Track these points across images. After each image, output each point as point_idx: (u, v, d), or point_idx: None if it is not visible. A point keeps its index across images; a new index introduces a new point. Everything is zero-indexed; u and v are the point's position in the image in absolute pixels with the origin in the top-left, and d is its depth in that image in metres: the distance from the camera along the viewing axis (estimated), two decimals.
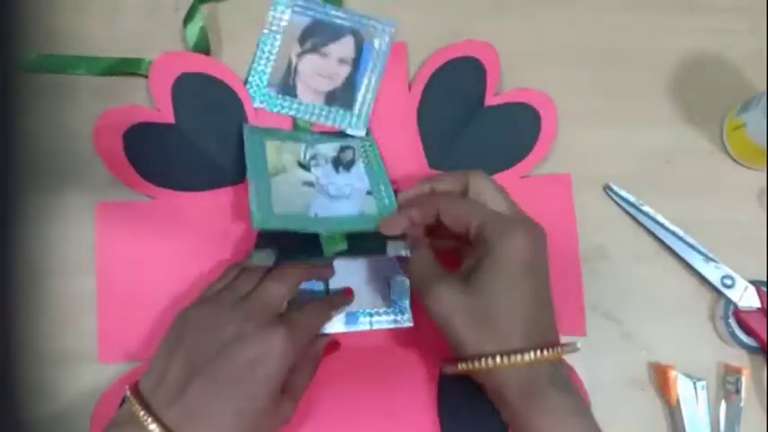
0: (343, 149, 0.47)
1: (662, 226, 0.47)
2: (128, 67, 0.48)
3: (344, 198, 0.44)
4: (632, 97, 0.50)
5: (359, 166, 0.46)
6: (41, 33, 0.48)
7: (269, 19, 0.49)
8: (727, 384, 0.45)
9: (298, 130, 0.48)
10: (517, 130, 0.48)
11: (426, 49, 0.49)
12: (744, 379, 0.44)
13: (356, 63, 0.49)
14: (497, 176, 0.47)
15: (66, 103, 0.48)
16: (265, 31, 0.49)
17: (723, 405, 0.45)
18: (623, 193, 0.48)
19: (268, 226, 0.40)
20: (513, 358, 0.35)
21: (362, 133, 0.48)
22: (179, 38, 0.49)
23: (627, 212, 0.48)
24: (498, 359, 0.35)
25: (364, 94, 0.48)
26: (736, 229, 0.47)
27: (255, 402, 0.36)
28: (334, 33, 0.49)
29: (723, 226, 0.47)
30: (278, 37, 0.49)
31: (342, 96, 0.48)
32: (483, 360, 0.36)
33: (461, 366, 0.37)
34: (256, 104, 0.48)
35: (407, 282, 0.45)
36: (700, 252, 0.46)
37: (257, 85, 0.48)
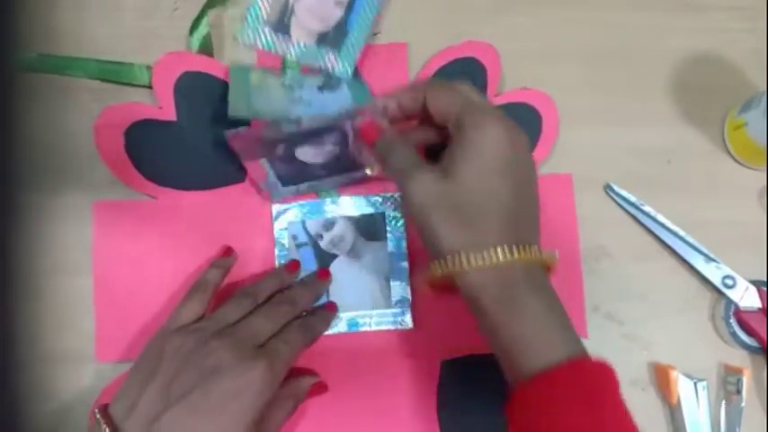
0: (328, 78, 0.47)
1: (663, 226, 0.47)
2: (123, 76, 0.47)
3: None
4: (632, 97, 0.50)
5: (343, 87, 0.46)
6: (41, 33, 0.48)
7: None
8: (728, 385, 0.45)
9: (287, 68, 0.48)
10: None
11: (428, 50, 0.49)
12: (745, 379, 0.44)
13: (350, 5, 0.49)
14: None
15: (66, 103, 0.48)
16: None
17: (724, 405, 0.45)
18: (624, 192, 0.48)
19: (243, 114, 0.41)
20: (485, 255, 0.33)
21: (348, 74, 0.48)
22: (178, 37, 0.49)
23: (627, 212, 0.48)
24: (472, 258, 0.33)
25: (355, 38, 0.48)
26: (737, 229, 0.47)
27: None
28: None
29: (724, 226, 0.47)
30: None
31: (332, 38, 0.48)
32: (456, 258, 0.34)
33: (434, 267, 0.35)
34: (248, 42, 0.48)
35: (408, 283, 0.45)
36: (700, 252, 0.46)
37: (254, 23, 0.48)
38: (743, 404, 0.44)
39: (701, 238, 0.46)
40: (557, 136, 0.48)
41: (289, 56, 0.48)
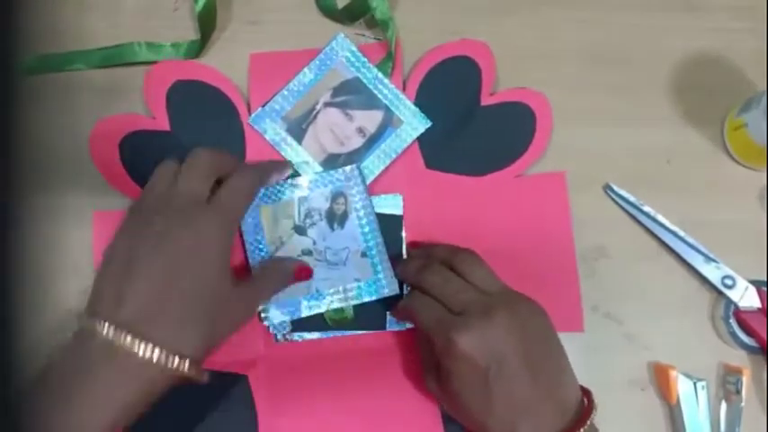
0: (335, 197, 0.46)
1: (662, 226, 0.47)
2: (124, 56, 0.48)
3: (341, 265, 0.45)
4: (632, 97, 0.50)
5: (352, 220, 0.46)
6: (42, 33, 0.48)
7: (322, 54, 0.48)
8: (728, 385, 0.45)
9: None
10: (513, 130, 0.48)
11: (425, 48, 0.49)
12: (744, 379, 0.44)
13: (372, 140, 0.47)
14: (493, 176, 0.47)
15: (67, 103, 0.48)
16: (313, 64, 0.47)
17: (723, 405, 0.45)
18: (624, 192, 0.48)
19: (277, 322, 0.44)
20: None
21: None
22: (178, 37, 0.49)
23: (627, 212, 0.48)
24: None
25: (367, 172, 0.47)
26: (737, 230, 0.47)
27: (204, 289, 0.36)
28: (368, 101, 0.47)
29: (724, 226, 0.47)
30: (320, 75, 0.47)
31: (342, 165, 0.47)
32: None
33: None
34: (256, 126, 0.47)
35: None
36: (700, 252, 0.46)
37: (274, 112, 0.47)
38: (742, 404, 0.44)
39: (701, 238, 0.46)
40: (551, 134, 0.48)
41: (292, 166, 0.46)
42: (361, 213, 0.46)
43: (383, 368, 0.45)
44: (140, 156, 0.46)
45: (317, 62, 0.48)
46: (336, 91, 0.48)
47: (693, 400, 0.44)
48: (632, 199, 0.47)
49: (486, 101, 0.48)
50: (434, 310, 0.38)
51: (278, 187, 0.46)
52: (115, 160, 0.46)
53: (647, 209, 0.47)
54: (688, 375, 0.44)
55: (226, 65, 0.48)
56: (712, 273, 0.46)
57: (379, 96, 0.47)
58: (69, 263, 0.45)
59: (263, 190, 0.46)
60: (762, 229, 0.48)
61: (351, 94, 0.48)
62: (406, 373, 0.45)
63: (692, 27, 0.51)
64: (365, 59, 0.48)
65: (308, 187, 0.46)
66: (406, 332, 0.45)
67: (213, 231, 0.37)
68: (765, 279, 0.46)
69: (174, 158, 0.41)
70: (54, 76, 0.48)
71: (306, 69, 0.48)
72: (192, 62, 0.48)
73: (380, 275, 0.45)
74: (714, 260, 0.46)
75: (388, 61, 0.48)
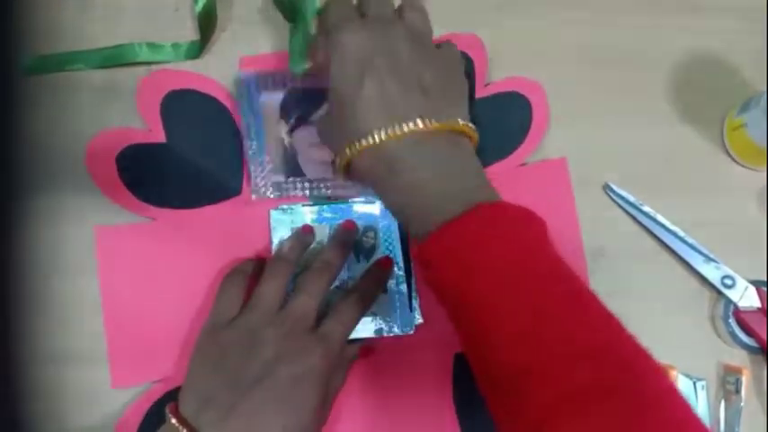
0: (366, 231, 0.46)
1: (662, 226, 0.47)
2: (125, 57, 0.48)
3: None
4: (632, 97, 0.50)
5: (378, 256, 0.46)
6: (42, 34, 0.48)
7: (242, 112, 0.46)
8: (727, 384, 0.45)
9: (318, 204, 0.46)
10: (510, 120, 0.48)
11: None
12: (744, 379, 0.44)
13: None
14: (494, 167, 0.47)
15: (67, 104, 0.48)
16: (245, 123, 0.46)
17: (723, 405, 0.45)
18: (623, 192, 0.48)
19: None
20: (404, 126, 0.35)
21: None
22: (178, 38, 0.49)
23: (627, 212, 0.48)
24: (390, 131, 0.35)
25: None
26: (737, 230, 0.47)
27: (302, 417, 0.38)
28: (314, 98, 0.46)
29: (723, 226, 0.47)
30: (261, 126, 0.46)
31: None
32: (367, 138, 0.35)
33: (348, 151, 0.36)
34: (264, 196, 0.46)
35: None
36: (700, 252, 0.46)
37: (263, 176, 0.45)
38: (742, 404, 0.44)
39: (701, 238, 0.46)
40: (548, 122, 0.48)
41: (312, 193, 0.46)
42: (388, 250, 0.46)
43: (389, 367, 0.45)
44: (138, 169, 0.46)
45: (247, 111, 0.46)
46: (285, 117, 0.46)
47: (693, 399, 0.44)
48: (632, 199, 0.47)
49: (480, 93, 0.48)
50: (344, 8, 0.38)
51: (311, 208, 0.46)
52: (113, 175, 0.45)
53: (647, 209, 0.47)
54: (688, 375, 0.44)
55: (225, 65, 0.48)
56: (712, 273, 0.46)
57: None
58: (69, 264, 0.45)
59: (322, 210, 0.46)
60: (762, 229, 0.48)
61: (296, 108, 0.46)
62: (414, 372, 0.45)
63: (692, 27, 0.51)
64: (266, 74, 0.46)
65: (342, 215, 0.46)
66: (413, 332, 0.45)
67: (319, 367, 0.38)
68: (765, 279, 0.46)
69: (279, 270, 0.42)
70: (54, 76, 0.48)
71: (245, 127, 0.46)
72: (184, 71, 0.48)
73: (397, 314, 0.45)
74: (714, 260, 0.46)
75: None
